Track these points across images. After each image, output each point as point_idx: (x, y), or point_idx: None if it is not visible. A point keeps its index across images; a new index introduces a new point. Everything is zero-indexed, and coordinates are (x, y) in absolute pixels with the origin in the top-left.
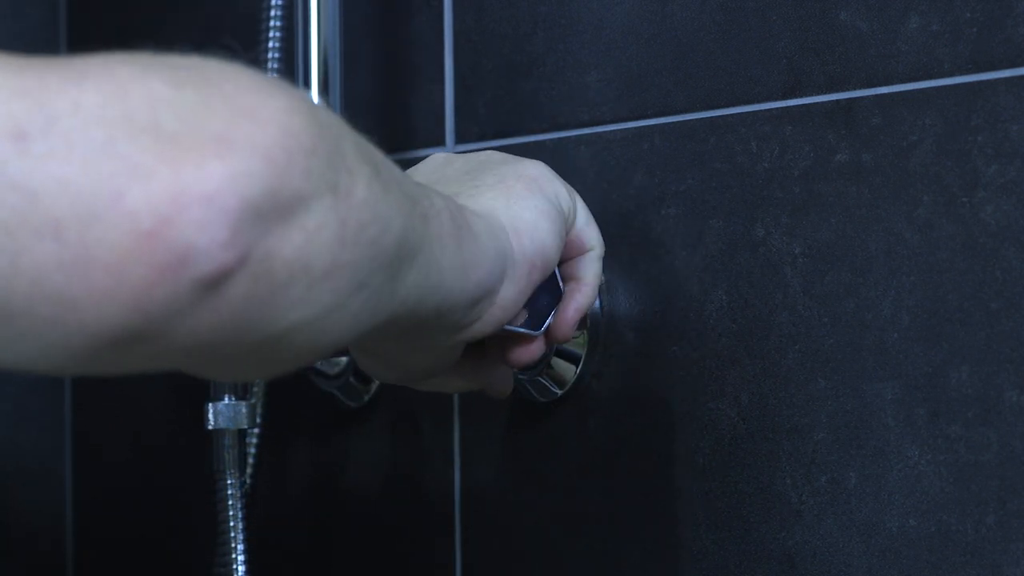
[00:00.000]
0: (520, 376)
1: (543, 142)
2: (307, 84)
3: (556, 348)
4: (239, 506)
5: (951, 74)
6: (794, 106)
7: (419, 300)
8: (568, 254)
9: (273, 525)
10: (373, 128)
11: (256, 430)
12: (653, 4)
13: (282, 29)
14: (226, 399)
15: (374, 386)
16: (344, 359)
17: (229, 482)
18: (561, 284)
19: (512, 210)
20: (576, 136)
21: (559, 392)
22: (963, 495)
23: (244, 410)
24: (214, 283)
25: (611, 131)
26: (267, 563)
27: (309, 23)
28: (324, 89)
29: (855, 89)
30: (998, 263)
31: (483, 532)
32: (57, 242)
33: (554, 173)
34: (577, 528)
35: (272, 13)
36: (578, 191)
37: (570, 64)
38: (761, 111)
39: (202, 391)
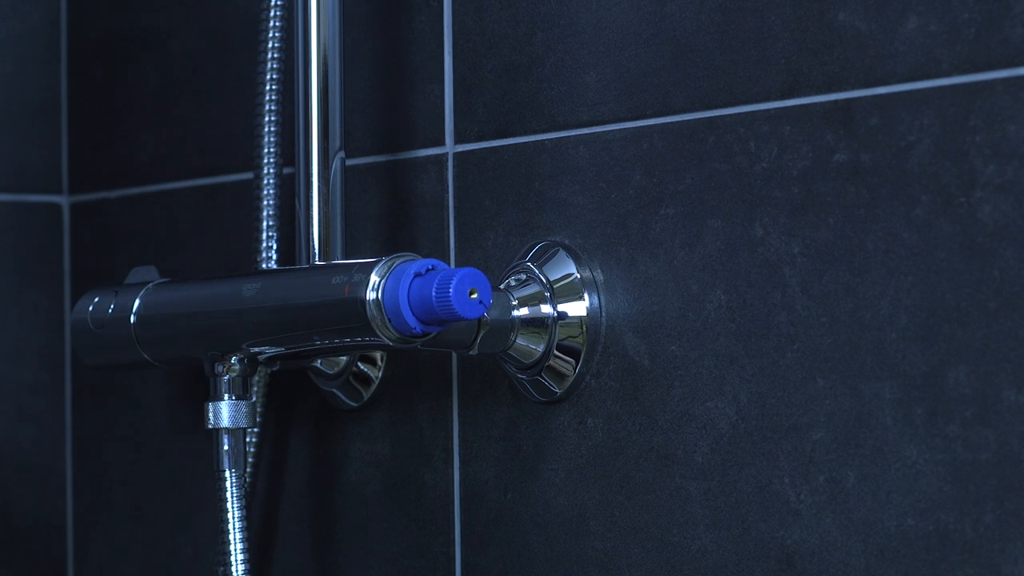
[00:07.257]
0: (520, 376)
1: (543, 142)
2: (307, 84)
3: (556, 345)
4: (239, 505)
5: (949, 74)
6: (793, 106)
7: None
8: None
9: (273, 524)
10: (373, 128)
11: (256, 429)
12: (652, 4)
13: (282, 29)
14: (226, 398)
15: (374, 386)
16: (344, 359)
17: (229, 481)
18: None
19: None
20: (576, 136)
21: (559, 391)
22: (961, 494)
23: (244, 409)
24: None
25: (610, 131)
26: (267, 562)
27: (309, 23)
28: (324, 89)
29: (853, 89)
30: (996, 263)
31: (483, 532)
32: None
33: None
34: (577, 528)
35: (272, 13)
36: (578, 191)
37: (570, 64)
38: (760, 111)
39: (202, 391)
